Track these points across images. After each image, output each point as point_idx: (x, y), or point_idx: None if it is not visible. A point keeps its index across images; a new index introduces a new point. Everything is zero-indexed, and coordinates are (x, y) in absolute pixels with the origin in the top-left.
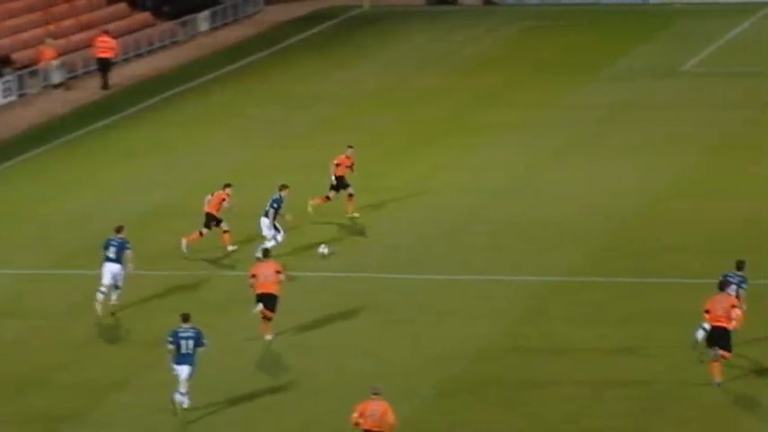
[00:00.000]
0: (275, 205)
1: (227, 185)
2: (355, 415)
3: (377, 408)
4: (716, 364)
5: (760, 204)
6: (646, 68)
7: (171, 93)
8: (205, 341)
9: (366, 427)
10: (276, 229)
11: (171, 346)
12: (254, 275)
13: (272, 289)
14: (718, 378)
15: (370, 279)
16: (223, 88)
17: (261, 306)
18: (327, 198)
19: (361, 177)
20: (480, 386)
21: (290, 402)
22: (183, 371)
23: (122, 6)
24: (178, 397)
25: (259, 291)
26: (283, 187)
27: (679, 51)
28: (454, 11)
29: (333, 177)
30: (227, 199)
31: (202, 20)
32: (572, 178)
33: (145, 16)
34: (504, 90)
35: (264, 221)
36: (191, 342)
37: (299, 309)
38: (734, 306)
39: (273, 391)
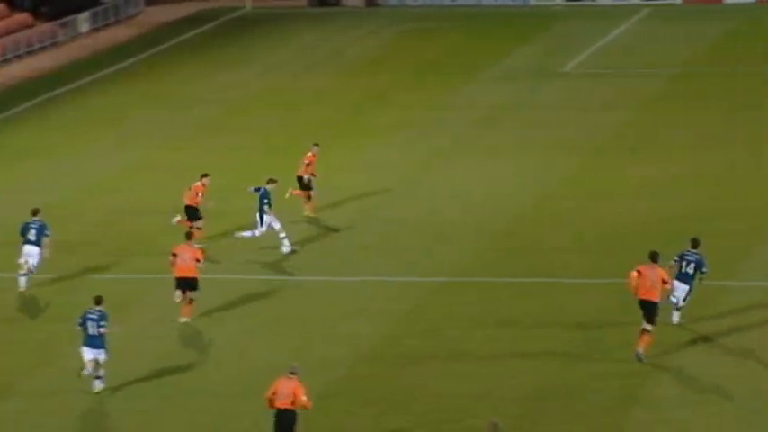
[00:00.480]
0: (265, 200)
1: (205, 175)
2: (269, 393)
3: (288, 387)
4: (644, 336)
5: (640, 204)
6: (527, 70)
7: (52, 94)
8: (104, 324)
9: (278, 405)
10: (261, 221)
11: (79, 328)
12: (174, 254)
13: (190, 273)
14: (643, 349)
15: (261, 281)
16: (106, 90)
17: (179, 293)
18: (309, 197)
19: (252, 179)
20: (365, 387)
21: (173, 402)
22: (90, 353)
23: (0, 7)
24: (87, 373)
25: (178, 274)
26: (271, 181)
27: (559, 53)
28: (337, 12)
29: (305, 177)
30: (202, 190)
31: (83, 21)
32: (459, 179)
33: (24, 17)
34: (390, 91)
35: (265, 218)
36: (95, 324)
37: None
38: (664, 282)
39: (161, 390)
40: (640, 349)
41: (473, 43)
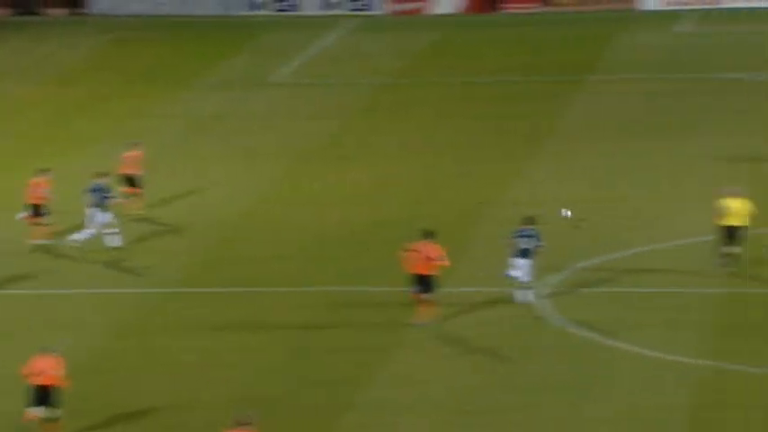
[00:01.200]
0: (105, 193)
1: (42, 171)
2: (26, 370)
3: (45, 364)
4: (421, 307)
5: (348, 211)
6: (236, 79)
7: None
8: None
9: (38, 383)
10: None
11: None
12: None
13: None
14: (422, 320)
15: None
16: None
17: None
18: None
19: None
20: (74, 400)
21: None
22: None
23: None
24: None
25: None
26: (102, 174)
27: (267, 62)
28: (40, 21)
29: (133, 175)
30: (43, 185)
31: None
32: (170, 188)
33: None
34: (96, 100)
35: (90, 212)
36: None
37: None
38: (431, 257)
39: None
40: (420, 320)
41: (183, 53)
